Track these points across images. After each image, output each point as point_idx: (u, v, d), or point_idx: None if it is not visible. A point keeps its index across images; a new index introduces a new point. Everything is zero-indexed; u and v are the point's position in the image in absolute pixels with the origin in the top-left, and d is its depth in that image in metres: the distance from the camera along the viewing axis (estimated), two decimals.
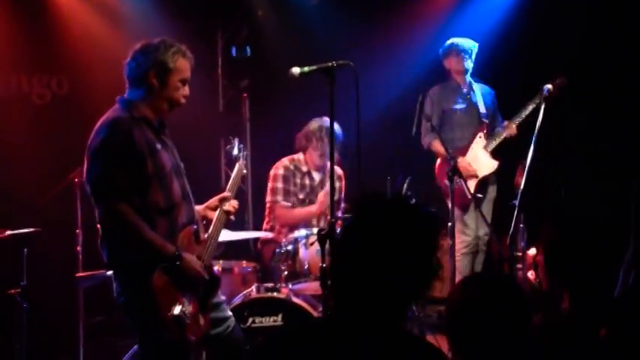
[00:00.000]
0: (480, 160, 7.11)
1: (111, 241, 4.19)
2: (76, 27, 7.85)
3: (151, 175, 4.14)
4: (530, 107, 6.75)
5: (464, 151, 7.11)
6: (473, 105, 7.27)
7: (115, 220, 4.10)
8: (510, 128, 7.02)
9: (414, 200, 2.64)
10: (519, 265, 6.21)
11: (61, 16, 7.83)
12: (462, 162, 6.90)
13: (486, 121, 7.20)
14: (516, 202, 5.66)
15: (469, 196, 6.46)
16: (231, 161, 8.66)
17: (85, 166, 4.19)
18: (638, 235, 4.54)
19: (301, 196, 6.56)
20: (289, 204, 6.51)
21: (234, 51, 8.73)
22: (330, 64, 4.51)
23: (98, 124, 4.20)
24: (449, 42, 7.32)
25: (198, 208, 4.62)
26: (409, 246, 2.47)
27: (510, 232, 5.52)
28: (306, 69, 4.58)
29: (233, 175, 4.94)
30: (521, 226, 5.71)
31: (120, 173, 4.06)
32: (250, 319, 5.59)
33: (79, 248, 6.40)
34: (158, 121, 4.36)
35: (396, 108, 7.67)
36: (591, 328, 3.11)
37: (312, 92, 5.36)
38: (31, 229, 5.92)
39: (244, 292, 5.87)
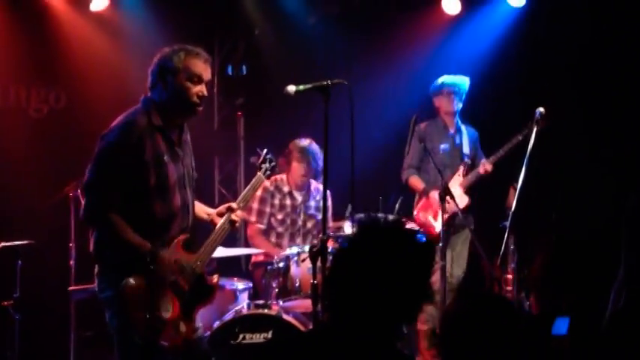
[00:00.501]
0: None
1: (99, 235, 4.23)
2: (75, 42, 7.88)
3: (152, 186, 4.18)
4: (507, 147, 6.76)
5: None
6: (456, 147, 7.25)
7: (97, 218, 4.16)
8: (485, 165, 7.01)
9: (411, 226, 2.71)
10: (509, 288, 6.26)
11: (60, 30, 7.86)
12: (432, 195, 6.85)
13: (468, 161, 7.19)
14: (507, 224, 5.70)
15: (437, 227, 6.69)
16: (225, 179, 8.83)
17: (94, 155, 4.19)
18: (628, 255, 4.58)
19: (280, 217, 6.63)
20: (262, 226, 6.61)
21: (230, 69, 8.78)
22: (325, 82, 4.55)
23: (117, 120, 4.23)
24: (440, 80, 7.22)
25: (208, 211, 4.69)
26: (404, 270, 2.56)
27: (501, 254, 5.56)
28: (301, 87, 4.62)
29: (249, 185, 4.90)
30: (512, 247, 5.75)
31: (118, 178, 4.10)
32: (241, 336, 5.61)
33: (72, 262, 6.43)
34: (177, 129, 4.38)
35: (392, 127, 7.70)
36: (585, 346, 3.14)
37: (307, 111, 5.40)
38: (26, 242, 5.96)
39: (235, 308, 5.91)
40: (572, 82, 7.72)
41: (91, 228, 4.25)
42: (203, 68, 4.33)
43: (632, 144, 7.31)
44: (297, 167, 6.55)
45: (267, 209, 6.61)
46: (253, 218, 6.58)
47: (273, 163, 5.07)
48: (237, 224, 4.68)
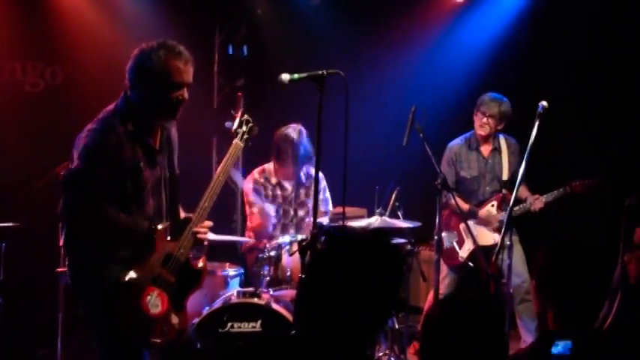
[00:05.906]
0: (484, 229, 6.84)
1: (70, 235, 4.19)
2: (73, 18, 7.81)
3: (128, 193, 4.09)
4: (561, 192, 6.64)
5: (480, 207, 6.87)
6: (488, 172, 6.87)
7: (87, 211, 4.05)
8: (537, 202, 6.66)
9: (386, 233, 2.68)
10: (504, 280, 6.17)
11: (58, 6, 7.78)
12: (482, 213, 6.83)
13: (504, 192, 6.77)
14: (504, 219, 5.62)
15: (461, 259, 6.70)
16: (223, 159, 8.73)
17: (73, 160, 4.07)
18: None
19: (272, 208, 6.50)
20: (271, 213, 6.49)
21: (231, 49, 8.76)
22: (320, 72, 4.44)
23: (93, 123, 4.09)
24: (483, 95, 6.83)
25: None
26: (377, 279, 2.54)
27: (496, 250, 5.46)
28: (295, 76, 4.51)
29: (225, 157, 4.51)
30: (508, 243, 5.66)
31: (103, 175, 3.99)
32: (229, 324, 5.54)
33: (61, 243, 6.36)
34: (157, 132, 4.24)
35: (392, 116, 7.61)
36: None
37: (307, 93, 5.30)
38: (11, 224, 5.89)
39: (225, 295, 5.84)
40: (577, 74, 7.66)
41: (72, 223, 4.15)
42: (183, 71, 4.09)
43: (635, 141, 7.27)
44: (284, 158, 6.38)
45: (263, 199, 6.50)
46: (255, 209, 6.46)
47: (251, 124, 4.62)
48: (202, 237, 4.39)
